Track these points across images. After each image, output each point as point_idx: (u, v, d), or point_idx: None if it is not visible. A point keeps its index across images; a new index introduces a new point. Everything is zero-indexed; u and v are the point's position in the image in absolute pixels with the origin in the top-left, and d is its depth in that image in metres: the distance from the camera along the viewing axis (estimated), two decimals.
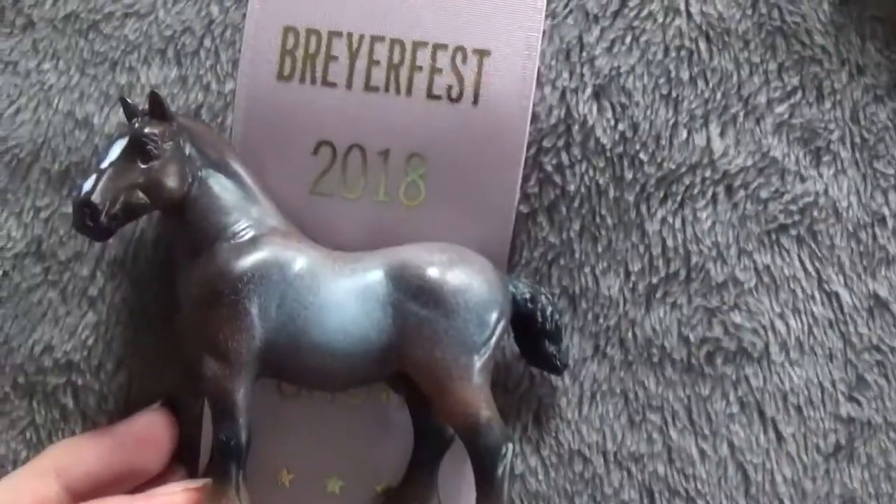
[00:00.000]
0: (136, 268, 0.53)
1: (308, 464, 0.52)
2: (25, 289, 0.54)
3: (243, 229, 0.49)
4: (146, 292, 0.53)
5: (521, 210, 0.52)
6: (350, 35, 0.51)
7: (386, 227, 0.51)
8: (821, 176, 0.52)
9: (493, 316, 0.48)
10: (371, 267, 0.49)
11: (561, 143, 0.52)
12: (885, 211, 0.52)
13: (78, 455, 0.51)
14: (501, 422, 0.48)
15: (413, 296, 0.48)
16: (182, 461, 0.53)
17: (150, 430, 0.52)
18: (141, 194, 0.47)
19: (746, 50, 0.52)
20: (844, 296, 0.52)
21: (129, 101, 0.49)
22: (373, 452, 0.52)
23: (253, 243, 0.48)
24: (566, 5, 0.52)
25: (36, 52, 0.54)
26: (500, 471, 0.47)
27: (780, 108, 0.52)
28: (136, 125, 0.48)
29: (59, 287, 0.53)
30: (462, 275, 0.48)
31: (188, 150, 0.48)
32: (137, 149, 0.47)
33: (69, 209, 0.53)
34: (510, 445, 0.48)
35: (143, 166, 0.47)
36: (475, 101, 0.50)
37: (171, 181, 0.48)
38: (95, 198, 0.46)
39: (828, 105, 0.52)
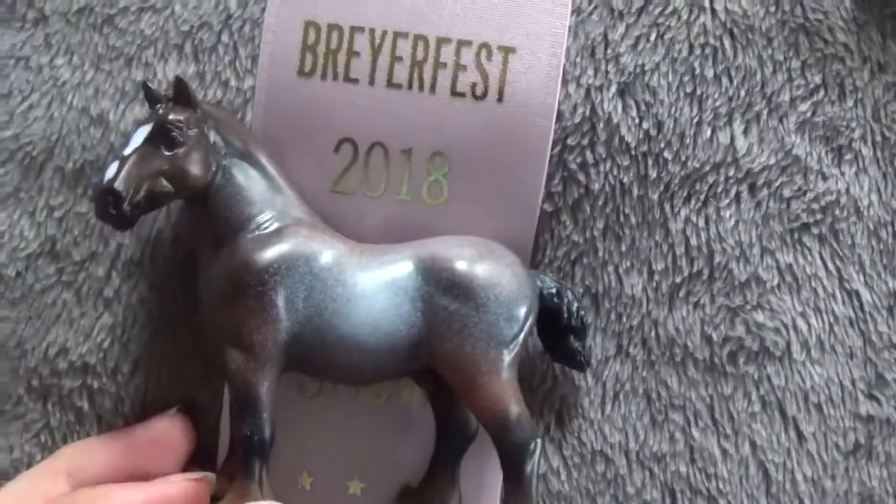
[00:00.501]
0: (152, 268, 0.52)
1: (329, 466, 0.51)
2: (39, 290, 0.52)
3: (268, 220, 0.48)
4: (163, 293, 0.52)
5: (545, 209, 0.51)
6: (373, 31, 0.50)
7: (408, 226, 0.50)
8: (842, 174, 0.52)
9: (523, 310, 0.48)
10: (399, 259, 0.48)
11: (585, 141, 0.51)
12: None
13: (91, 457, 0.50)
14: (530, 417, 0.47)
15: (444, 289, 0.47)
16: (198, 466, 0.51)
17: (166, 434, 0.51)
18: (165, 182, 0.46)
19: (770, 47, 0.52)
20: (865, 294, 0.52)
21: (151, 86, 0.48)
22: (395, 452, 0.51)
23: (278, 234, 0.47)
24: (591, 1, 0.52)
25: (49, 46, 0.53)
26: (528, 467, 0.47)
27: (803, 106, 0.52)
28: (161, 111, 0.47)
29: (73, 288, 0.52)
30: (492, 269, 0.48)
31: (213, 137, 0.48)
32: (162, 135, 0.46)
33: (84, 208, 0.52)
34: (539, 441, 0.47)
35: (167, 153, 0.47)
36: (500, 98, 0.50)
37: (196, 169, 0.47)
38: (118, 185, 0.45)
39: (850, 103, 0.52)
